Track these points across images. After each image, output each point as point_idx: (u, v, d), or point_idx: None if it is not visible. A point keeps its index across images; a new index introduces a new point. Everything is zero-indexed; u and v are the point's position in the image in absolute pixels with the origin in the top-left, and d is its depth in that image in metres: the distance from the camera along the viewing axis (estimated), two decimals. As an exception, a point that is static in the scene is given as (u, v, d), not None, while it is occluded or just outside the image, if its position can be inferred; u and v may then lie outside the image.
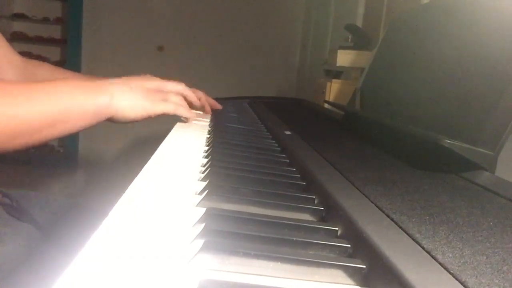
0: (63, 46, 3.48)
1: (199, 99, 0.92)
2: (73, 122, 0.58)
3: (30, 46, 3.34)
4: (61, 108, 0.56)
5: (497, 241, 0.31)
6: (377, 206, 0.37)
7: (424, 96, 0.71)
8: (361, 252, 0.30)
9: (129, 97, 0.65)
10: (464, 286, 0.24)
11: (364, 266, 0.28)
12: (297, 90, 3.57)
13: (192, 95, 0.84)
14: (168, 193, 0.38)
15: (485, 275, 0.25)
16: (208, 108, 0.98)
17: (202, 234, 0.30)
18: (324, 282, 0.28)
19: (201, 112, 0.96)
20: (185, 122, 0.79)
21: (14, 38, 3.33)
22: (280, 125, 0.87)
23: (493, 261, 0.28)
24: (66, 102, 0.57)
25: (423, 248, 0.29)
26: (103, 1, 3.47)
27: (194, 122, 0.82)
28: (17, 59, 0.80)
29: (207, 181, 0.42)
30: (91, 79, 0.86)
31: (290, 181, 0.48)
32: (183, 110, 0.75)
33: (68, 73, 0.88)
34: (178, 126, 0.75)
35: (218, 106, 1.02)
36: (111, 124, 0.68)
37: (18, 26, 3.49)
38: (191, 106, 0.85)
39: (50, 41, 3.46)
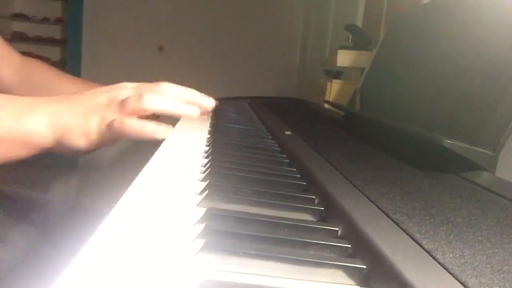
0: (63, 46, 3.48)
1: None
2: None
3: (30, 46, 3.34)
4: None
5: (497, 241, 0.31)
6: (377, 206, 0.37)
7: (424, 96, 0.71)
8: (361, 252, 0.30)
9: (68, 121, 0.46)
10: (464, 286, 0.24)
11: (364, 266, 0.28)
12: (297, 90, 3.57)
13: (170, 106, 0.51)
14: (168, 193, 0.38)
15: (485, 275, 0.25)
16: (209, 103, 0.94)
17: (202, 234, 0.30)
18: (324, 282, 0.28)
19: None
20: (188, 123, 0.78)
21: (14, 38, 3.33)
22: (280, 125, 0.87)
23: (493, 261, 0.28)
24: None
25: (423, 248, 0.29)
26: (103, 1, 3.47)
27: (193, 122, 0.82)
28: (16, 57, 0.79)
29: (208, 181, 0.42)
30: (87, 85, 0.85)
31: (290, 181, 0.48)
32: (144, 132, 0.48)
33: (65, 78, 0.86)
34: (178, 126, 0.75)
35: (211, 103, 0.98)
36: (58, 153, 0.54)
37: (18, 26, 3.49)
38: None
39: (50, 41, 3.47)
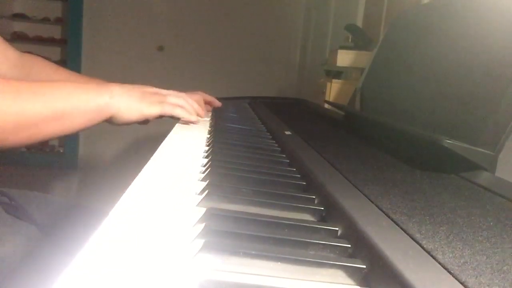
0: (63, 46, 3.48)
1: (196, 102, 0.91)
2: (74, 119, 0.61)
3: (30, 46, 3.33)
4: (63, 105, 0.59)
5: (497, 241, 0.31)
6: (377, 206, 0.37)
7: (424, 96, 0.71)
8: (361, 252, 0.30)
9: (126, 99, 0.67)
10: (464, 286, 0.24)
11: (364, 266, 0.28)
12: (297, 90, 3.57)
13: (194, 103, 0.82)
14: (168, 193, 0.38)
15: (485, 275, 0.25)
16: (216, 103, 1.01)
17: (202, 234, 0.30)
18: (325, 282, 0.28)
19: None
20: (187, 123, 0.78)
21: (14, 38, 3.33)
22: (280, 125, 0.87)
23: (493, 261, 0.28)
24: (68, 99, 0.60)
25: (423, 248, 0.29)
26: (103, 1, 3.46)
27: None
28: (13, 54, 0.79)
29: (207, 181, 0.42)
30: (89, 80, 0.86)
31: (290, 181, 0.48)
32: (180, 111, 0.75)
33: (65, 73, 0.87)
34: (178, 127, 0.75)
35: (218, 104, 1.02)
36: (111, 124, 0.69)
37: (18, 26, 3.49)
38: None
39: (50, 41, 3.46)
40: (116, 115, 0.66)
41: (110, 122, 0.68)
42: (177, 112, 0.75)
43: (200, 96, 0.94)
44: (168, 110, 0.73)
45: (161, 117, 0.76)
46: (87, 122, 0.63)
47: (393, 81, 0.86)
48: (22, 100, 0.55)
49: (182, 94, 0.80)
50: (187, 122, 0.78)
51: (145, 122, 0.78)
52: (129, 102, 0.67)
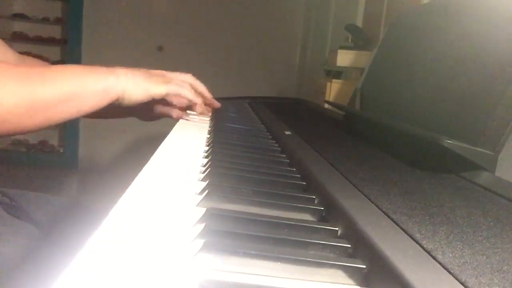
0: (63, 46, 3.48)
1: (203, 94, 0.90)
2: (84, 101, 0.62)
3: (30, 46, 3.34)
4: (73, 87, 0.61)
5: (497, 241, 0.31)
6: (377, 206, 0.37)
7: (424, 96, 0.71)
8: (361, 252, 0.30)
9: (132, 79, 0.69)
10: (464, 286, 0.24)
11: (364, 266, 0.28)
12: (297, 90, 3.57)
13: (201, 84, 0.83)
14: (168, 193, 0.38)
15: (485, 275, 0.25)
16: (216, 103, 0.99)
17: (202, 234, 0.30)
18: (325, 282, 0.28)
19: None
20: (188, 119, 0.78)
21: (14, 38, 3.33)
22: (280, 125, 0.87)
23: (493, 261, 0.28)
24: (77, 81, 0.62)
25: (423, 248, 0.29)
26: (103, 1, 3.46)
27: (193, 122, 0.82)
28: (12, 56, 0.80)
29: (207, 181, 0.42)
30: None
31: (290, 181, 0.48)
32: (187, 92, 0.74)
33: None
34: (178, 127, 0.75)
35: (217, 105, 1.02)
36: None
37: (18, 26, 3.49)
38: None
39: (50, 41, 3.46)
40: (123, 95, 0.67)
41: (118, 104, 0.68)
42: (184, 92, 0.74)
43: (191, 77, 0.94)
44: (174, 89, 0.72)
45: (165, 101, 0.76)
46: (97, 103, 0.64)
47: (393, 81, 0.86)
48: (32, 84, 0.56)
49: (188, 77, 0.80)
50: (187, 120, 0.78)
51: (153, 116, 0.80)
52: (135, 83, 0.68)
